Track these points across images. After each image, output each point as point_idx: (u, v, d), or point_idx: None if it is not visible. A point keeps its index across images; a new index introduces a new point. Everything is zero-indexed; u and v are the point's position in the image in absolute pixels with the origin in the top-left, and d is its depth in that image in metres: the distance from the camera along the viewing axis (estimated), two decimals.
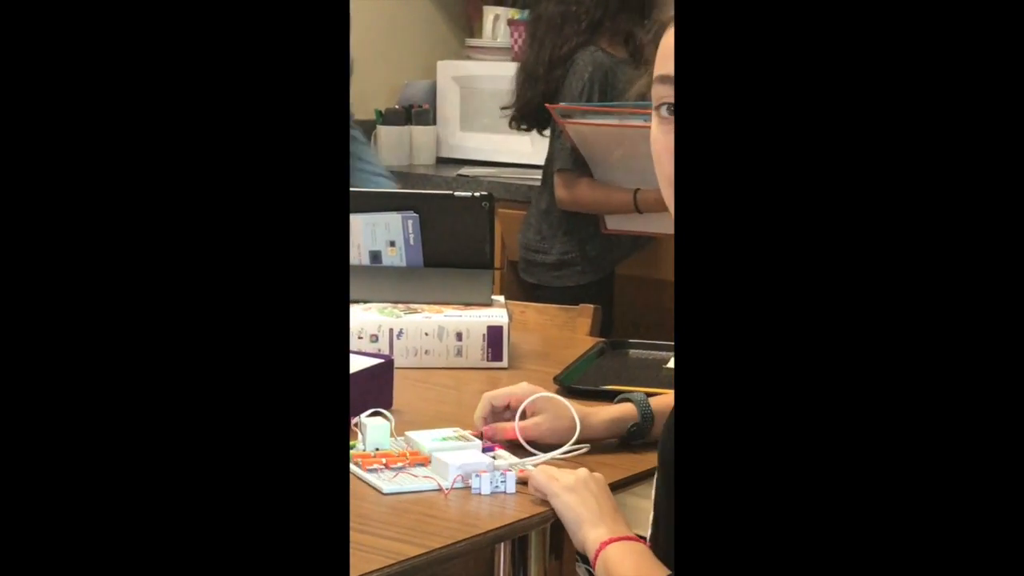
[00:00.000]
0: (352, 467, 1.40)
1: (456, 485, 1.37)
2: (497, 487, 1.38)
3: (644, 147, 2.65)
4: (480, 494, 1.37)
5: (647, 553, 1.24)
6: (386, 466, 1.41)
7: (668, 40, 1.19)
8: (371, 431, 1.45)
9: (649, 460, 1.47)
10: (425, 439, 1.48)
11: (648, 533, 1.29)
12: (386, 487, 1.37)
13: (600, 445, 1.52)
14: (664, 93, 1.19)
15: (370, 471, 1.41)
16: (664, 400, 1.57)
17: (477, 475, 1.38)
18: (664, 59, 1.19)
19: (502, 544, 1.66)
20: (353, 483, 1.36)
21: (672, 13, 1.19)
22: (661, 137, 1.20)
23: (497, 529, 1.31)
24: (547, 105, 2.78)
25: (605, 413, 1.54)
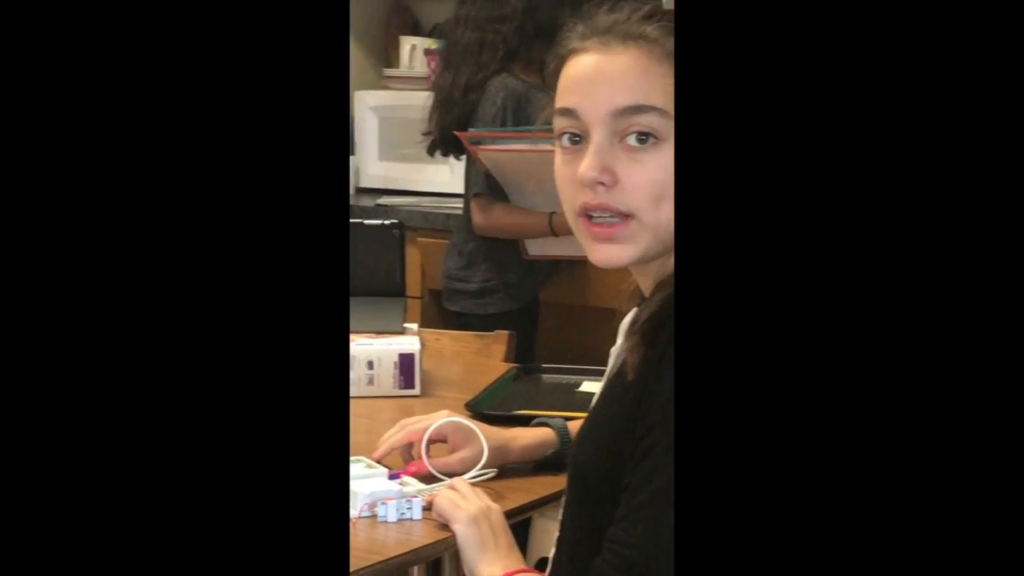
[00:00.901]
0: None
1: (363, 514, 1.37)
2: (403, 514, 1.39)
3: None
4: (387, 521, 1.37)
5: None
6: None
7: (568, 71, 1.20)
8: None
9: (560, 483, 1.47)
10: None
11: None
12: None
13: (513, 468, 1.53)
14: (564, 124, 1.19)
15: None
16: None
17: (383, 503, 1.38)
18: (563, 92, 1.20)
19: (415, 569, 1.66)
20: None
21: (573, 46, 1.20)
22: (563, 168, 1.21)
23: (403, 555, 1.31)
24: (456, 133, 2.79)
25: (524, 439, 1.55)
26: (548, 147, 2.60)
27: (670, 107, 1.14)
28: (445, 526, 1.34)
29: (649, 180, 1.15)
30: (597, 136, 1.17)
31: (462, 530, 1.32)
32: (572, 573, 1.21)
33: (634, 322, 1.15)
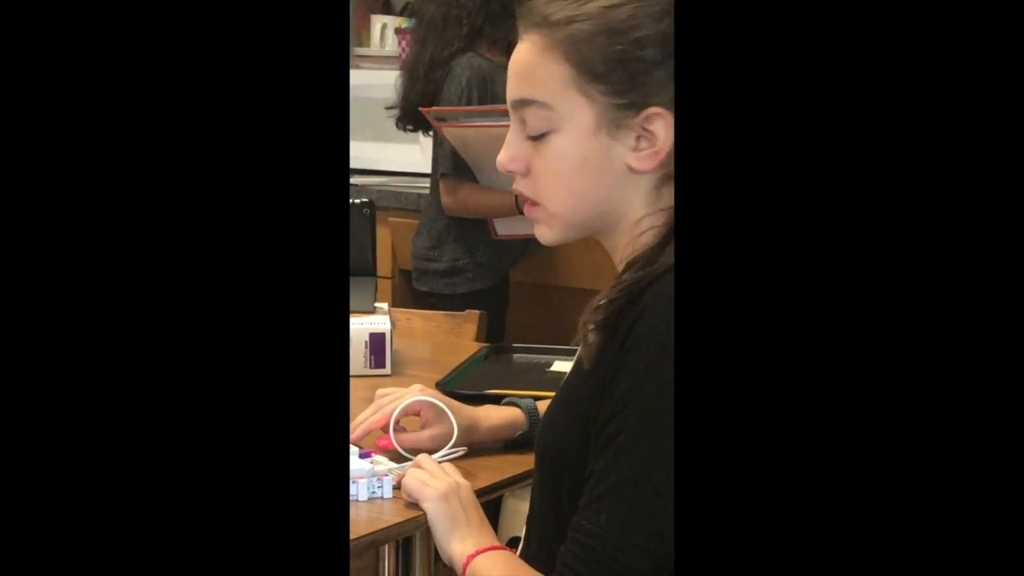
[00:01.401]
0: None
1: None
2: (374, 492, 1.39)
3: None
4: (357, 500, 1.38)
5: (514, 560, 1.25)
6: None
7: (516, 57, 1.20)
8: None
9: (530, 462, 1.48)
10: None
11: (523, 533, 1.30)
12: None
13: (482, 448, 1.53)
14: (522, 118, 1.19)
15: None
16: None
17: (354, 482, 1.38)
18: (513, 79, 1.20)
19: (385, 547, 1.67)
20: None
21: (517, 36, 1.20)
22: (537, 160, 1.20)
23: (373, 533, 1.31)
24: (421, 109, 2.79)
25: (493, 419, 1.55)
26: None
27: (555, 98, 1.15)
28: (415, 504, 1.35)
29: (548, 170, 1.18)
30: (511, 126, 1.20)
31: (432, 508, 1.32)
32: (540, 555, 1.22)
33: (592, 307, 1.15)
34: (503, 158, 1.20)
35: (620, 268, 1.19)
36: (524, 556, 1.27)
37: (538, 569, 1.19)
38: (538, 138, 1.17)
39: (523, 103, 1.17)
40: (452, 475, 1.37)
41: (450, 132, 2.72)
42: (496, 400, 1.66)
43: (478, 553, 1.25)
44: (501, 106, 2.66)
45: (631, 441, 1.08)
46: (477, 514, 1.33)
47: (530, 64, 1.17)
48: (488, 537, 1.29)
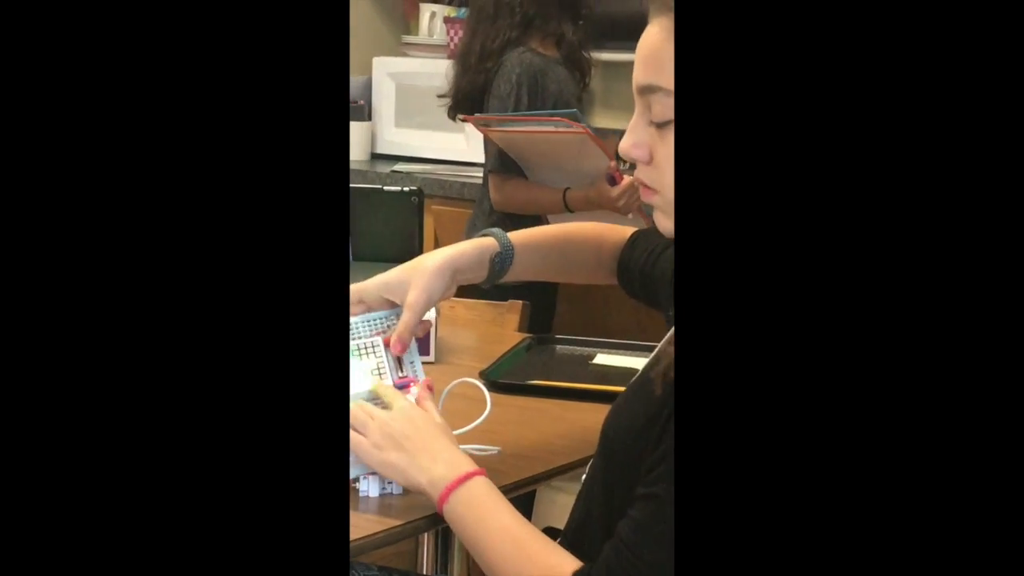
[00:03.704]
0: None
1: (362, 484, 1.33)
2: (384, 488, 1.33)
3: (567, 150, 2.63)
4: (368, 496, 1.33)
5: (487, 490, 1.22)
6: None
7: (643, 41, 1.13)
8: None
9: (563, 455, 1.48)
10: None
11: (563, 524, 1.29)
12: None
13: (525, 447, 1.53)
14: (647, 104, 1.14)
15: None
16: (527, 234, 1.52)
17: (365, 477, 1.33)
18: (640, 64, 1.14)
19: (424, 534, 1.67)
20: None
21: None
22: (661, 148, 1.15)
23: (413, 522, 1.29)
24: (462, 117, 2.79)
25: (445, 250, 1.46)
26: (549, 128, 2.61)
27: None
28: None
29: (667, 158, 1.12)
30: (636, 111, 1.15)
31: (376, 460, 1.28)
32: (589, 536, 1.21)
33: None
34: (625, 144, 1.15)
35: None
36: (566, 532, 1.26)
37: (595, 550, 1.16)
38: (663, 125, 1.12)
39: (649, 89, 1.12)
40: (393, 402, 1.31)
41: (495, 136, 2.72)
42: (537, 391, 1.65)
43: (447, 494, 1.23)
44: (544, 114, 2.65)
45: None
46: (435, 440, 1.27)
47: (658, 49, 1.11)
48: (453, 467, 1.24)
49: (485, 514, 1.21)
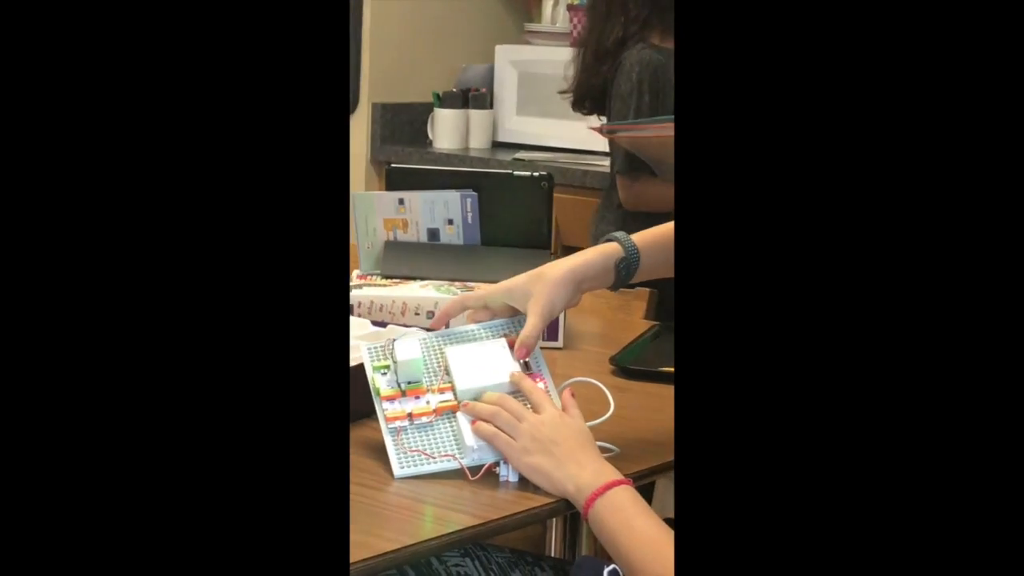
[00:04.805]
0: (382, 423, 1.35)
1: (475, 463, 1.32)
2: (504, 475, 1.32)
3: None
4: (507, 481, 1.32)
5: (631, 498, 1.23)
6: (411, 419, 1.34)
7: None
8: (402, 365, 1.36)
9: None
10: (463, 363, 1.39)
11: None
12: (398, 470, 1.31)
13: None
14: None
15: (391, 431, 1.34)
16: (652, 234, 1.51)
17: (505, 462, 1.31)
18: None
19: (553, 519, 1.67)
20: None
21: None
22: None
23: (536, 508, 1.28)
24: (590, 128, 2.77)
25: (569, 260, 1.46)
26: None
27: None
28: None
29: None
30: None
31: (524, 464, 1.28)
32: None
33: None
34: None
35: None
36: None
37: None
38: None
39: None
40: (542, 408, 1.32)
41: (623, 141, 2.70)
42: (669, 378, 1.65)
43: (592, 501, 1.24)
44: (663, 121, 2.62)
45: None
46: (583, 450, 1.28)
47: None
48: (597, 475, 1.25)
49: (628, 519, 1.23)
